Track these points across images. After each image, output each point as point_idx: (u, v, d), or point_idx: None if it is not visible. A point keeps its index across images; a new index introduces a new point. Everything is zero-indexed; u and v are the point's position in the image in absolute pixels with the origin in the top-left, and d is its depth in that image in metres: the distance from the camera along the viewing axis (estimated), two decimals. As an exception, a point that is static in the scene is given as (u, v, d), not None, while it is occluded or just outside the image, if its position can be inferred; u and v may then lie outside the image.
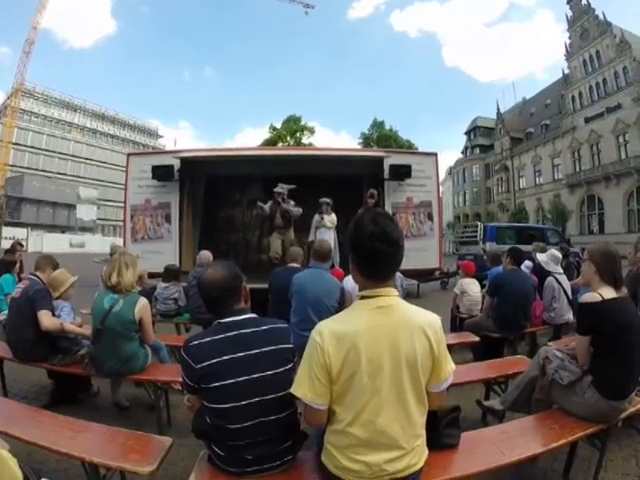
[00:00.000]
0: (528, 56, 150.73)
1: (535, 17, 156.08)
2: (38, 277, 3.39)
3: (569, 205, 35.05)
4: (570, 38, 36.93)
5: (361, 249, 1.42)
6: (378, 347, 1.38)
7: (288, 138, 41.63)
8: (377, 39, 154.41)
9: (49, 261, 3.53)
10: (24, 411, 2.42)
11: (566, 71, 37.62)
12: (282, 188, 7.50)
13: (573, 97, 36.38)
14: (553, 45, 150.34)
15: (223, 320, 1.68)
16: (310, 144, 38.09)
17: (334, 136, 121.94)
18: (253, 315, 1.75)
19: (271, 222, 7.82)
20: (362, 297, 1.47)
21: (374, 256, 1.40)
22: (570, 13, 36.67)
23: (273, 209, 7.58)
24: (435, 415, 1.70)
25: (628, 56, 31.08)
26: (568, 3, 36.76)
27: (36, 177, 46.31)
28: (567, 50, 37.26)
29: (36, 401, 3.35)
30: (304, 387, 1.41)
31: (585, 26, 35.02)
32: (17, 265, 6.46)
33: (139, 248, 8.35)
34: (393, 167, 8.83)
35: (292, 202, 7.59)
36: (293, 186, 7.60)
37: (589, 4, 34.79)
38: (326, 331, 1.40)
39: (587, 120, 34.58)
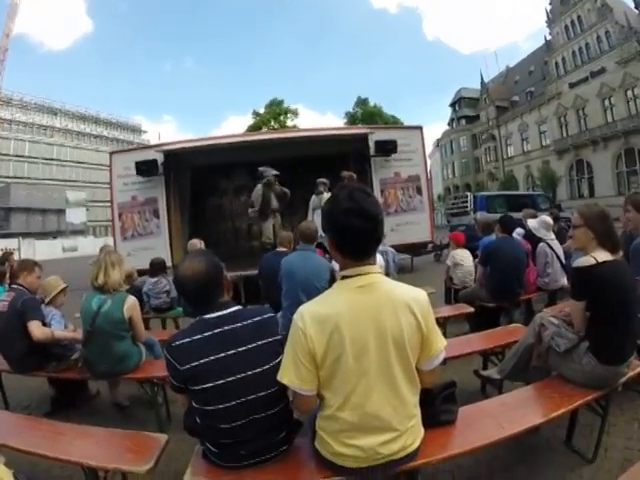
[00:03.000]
0: (510, 25, 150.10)
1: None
2: (21, 286, 3.28)
3: (558, 171, 35.00)
4: (551, 4, 36.29)
5: (338, 226, 1.37)
6: (361, 327, 1.34)
7: (272, 122, 40.94)
8: (357, 18, 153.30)
9: (23, 266, 3.42)
10: (22, 421, 2.47)
11: (548, 37, 37.14)
12: (271, 171, 7.33)
13: (556, 63, 35.99)
14: (535, 13, 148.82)
15: (207, 316, 1.57)
16: (294, 126, 37.46)
17: (320, 117, 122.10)
18: (238, 307, 1.64)
19: (267, 207, 7.56)
20: (343, 277, 1.42)
21: (351, 233, 1.34)
22: (550, -23, 36.09)
23: (267, 194, 7.40)
24: (430, 392, 1.66)
25: (610, 20, 30.64)
26: (547, -33, 36.16)
27: (22, 185, 45.54)
28: (548, 16, 36.67)
29: (38, 410, 3.36)
30: (290, 374, 1.38)
31: (565, -9, 34.51)
32: (7, 275, 6.34)
33: (129, 246, 8.31)
34: (378, 143, 8.77)
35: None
36: (277, 172, 7.45)
37: (569, -32, 34.19)
38: (307, 314, 1.36)
39: (572, 85, 34.29)
